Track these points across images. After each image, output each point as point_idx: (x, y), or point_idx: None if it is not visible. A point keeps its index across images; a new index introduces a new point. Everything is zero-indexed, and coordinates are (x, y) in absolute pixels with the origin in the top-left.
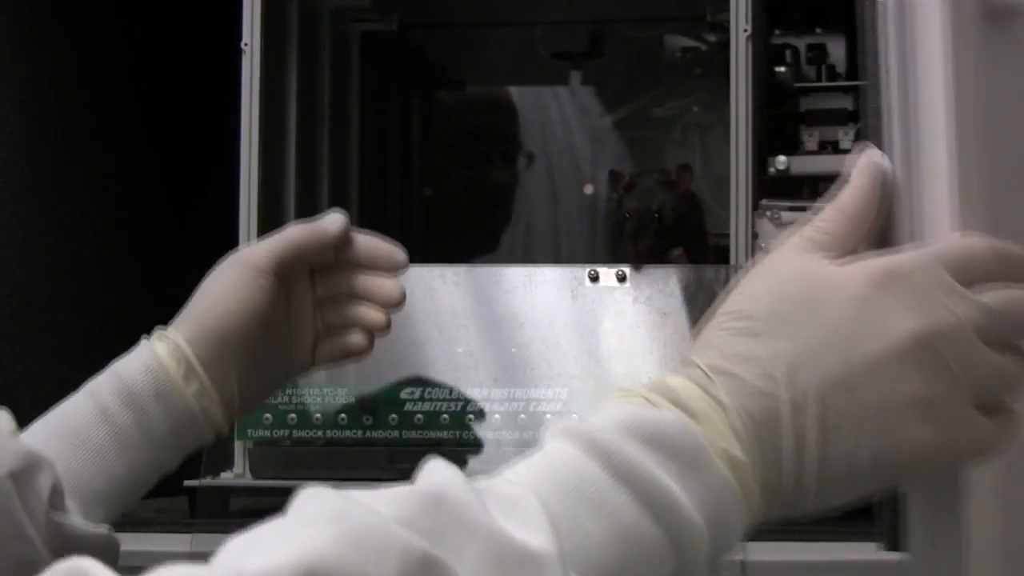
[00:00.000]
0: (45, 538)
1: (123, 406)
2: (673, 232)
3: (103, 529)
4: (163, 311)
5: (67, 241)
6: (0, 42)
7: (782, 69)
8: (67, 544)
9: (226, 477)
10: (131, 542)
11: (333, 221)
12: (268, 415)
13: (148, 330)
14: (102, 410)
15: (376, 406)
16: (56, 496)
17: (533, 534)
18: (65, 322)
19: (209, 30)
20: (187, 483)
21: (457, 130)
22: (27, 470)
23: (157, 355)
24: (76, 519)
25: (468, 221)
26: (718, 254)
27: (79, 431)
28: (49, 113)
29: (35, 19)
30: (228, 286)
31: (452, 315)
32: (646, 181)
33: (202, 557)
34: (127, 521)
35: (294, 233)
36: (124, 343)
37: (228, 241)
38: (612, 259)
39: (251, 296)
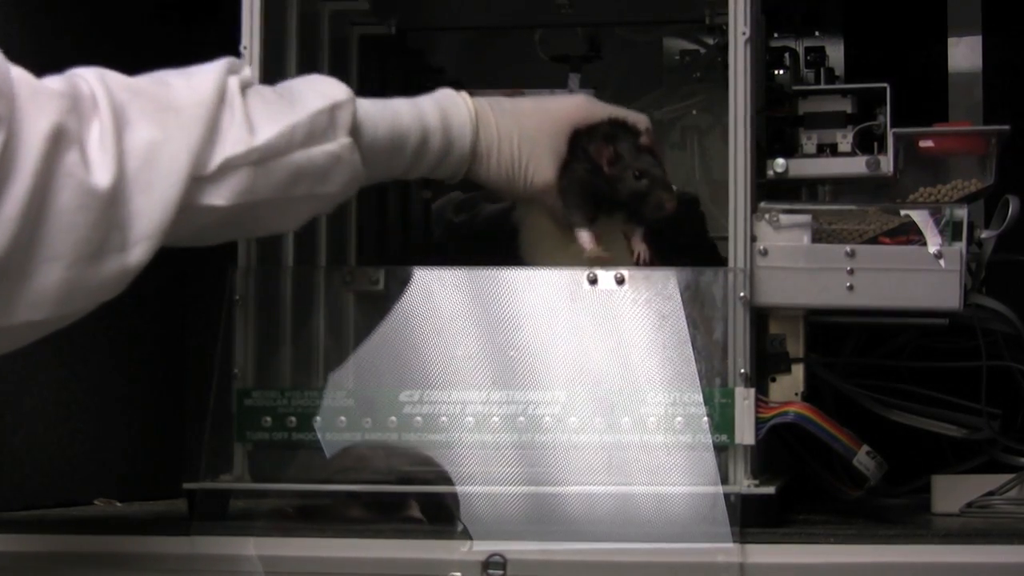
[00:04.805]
0: None
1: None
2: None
3: None
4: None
5: None
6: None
7: (781, 72)
8: None
9: (225, 480)
10: (130, 544)
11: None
12: (267, 418)
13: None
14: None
15: (375, 409)
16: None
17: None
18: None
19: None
20: (186, 486)
21: None
22: None
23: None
24: None
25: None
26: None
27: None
28: None
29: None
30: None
31: (451, 318)
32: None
33: (202, 560)
34: (125, 524)
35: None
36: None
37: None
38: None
39: None
